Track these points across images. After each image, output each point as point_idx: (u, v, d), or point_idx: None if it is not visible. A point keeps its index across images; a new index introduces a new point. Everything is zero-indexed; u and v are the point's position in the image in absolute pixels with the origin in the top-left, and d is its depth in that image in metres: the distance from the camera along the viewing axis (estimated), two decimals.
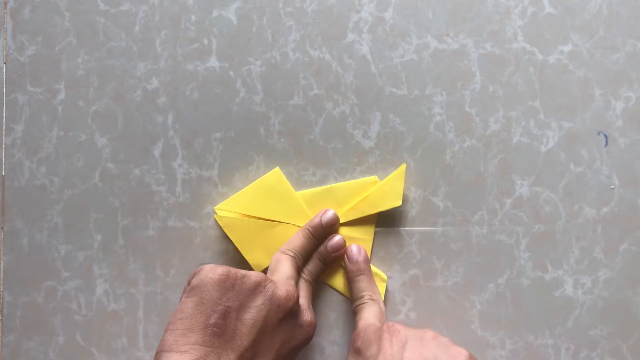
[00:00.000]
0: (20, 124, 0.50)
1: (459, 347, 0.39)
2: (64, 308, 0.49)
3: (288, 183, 0.48)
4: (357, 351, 0.41)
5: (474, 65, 0.48)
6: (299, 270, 0.45)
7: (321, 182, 0.48)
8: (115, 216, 0.49)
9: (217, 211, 0.48)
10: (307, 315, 0.42)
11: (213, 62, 0.49)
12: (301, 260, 0.45)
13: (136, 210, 0.49)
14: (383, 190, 0.47)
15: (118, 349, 0.48)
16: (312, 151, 0.48)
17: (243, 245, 0.47)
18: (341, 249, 0.47)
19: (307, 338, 0.42)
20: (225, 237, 0.48)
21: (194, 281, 0.39)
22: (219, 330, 0.37)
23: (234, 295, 0.38)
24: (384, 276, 0.47)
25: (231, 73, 0.49)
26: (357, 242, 0.47)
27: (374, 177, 0.48)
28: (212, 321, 0.37)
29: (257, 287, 0.39)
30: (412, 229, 0.48)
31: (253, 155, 0.49)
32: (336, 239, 0.47)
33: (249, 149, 0.49)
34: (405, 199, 0.48)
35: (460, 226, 0.47)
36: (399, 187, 0.47)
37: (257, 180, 0.48)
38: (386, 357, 0.39)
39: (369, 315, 0.44)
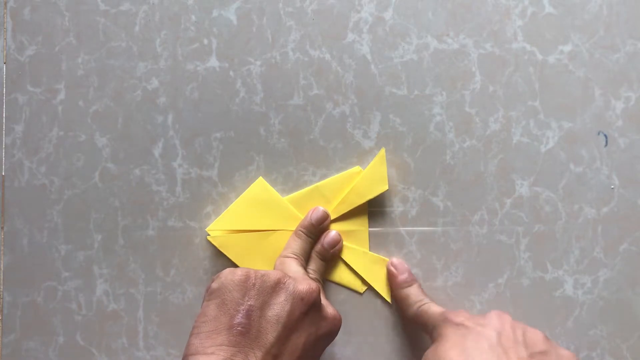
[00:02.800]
0: (20, 124, 0.50)
1: (567, 350, 0.39)
2: (64, 308, 0.49)
3: (274, 190, 0.48)
4: (460, 324, 0.40)
5: (474, 65, 0.48)
6: (305, 270, 0.45)
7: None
8: (115, 216, 0.49)
9: (209, 232, 0.48)
10: (329, 308, 0.42)
11: (213, 62, 0.49)
12: (304, 261, 0.45)
13: (136, 210, 0.49)
14: (367, 177, 0.47)
15: (118, 349, 0.48)
16: (312, 151, 0.48)
17: (242, 260, 0.47)
18: (338, 244, 0.47)
19: (333, 331, 0.41)
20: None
21: (214, 285, 0.39)
22: (244, 329, 0.37)
23: (256, 294, 0.38)
24: (383, 259, 0.48)
25: (231, 73, 0.49)
26: (353, 234, 0.48)
27: (357, 168, 0.48)
28: (236, 321, 0.37)
29: (278, 284, 0.39)
30: (412, 229, 0.48)
31: (253, 155, 0.49)
32: (332, 234, 0.47)
33: (249, 149, 0.49)
34: (405, 199, 0.48)
35: (460, 226, 0.47)
36: (383, 171, 0.47)
37: (242, 194, 0.48)
38: (505, 335, 0.38)
39: (440, 308, 0.44)
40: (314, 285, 0.40)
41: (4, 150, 0.50)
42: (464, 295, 0.47)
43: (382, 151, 0.47)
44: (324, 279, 0.48)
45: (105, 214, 0.49)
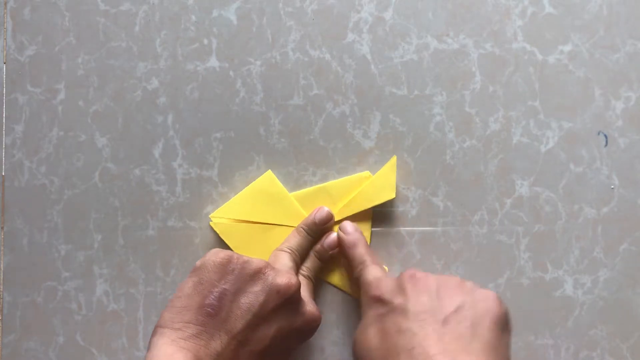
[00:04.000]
0: (20, 124, 0.50)
1: (485, 289, 0.38)
2: (64, 308, 0.49)
3: (281, 185, 0.48)
4: (378, 299, 0.39)
5: (474, 65, 0.48)
6: (297, 265, 0.45)
7: (321, 182, 0.48)
8: (115, 216, 0.49)
9: (212, 218, 0.48)
10: (309, 305, 0.42)
11: (213, 62, 0.49)
12: (298, 257, 0.45)
13: (136, 210, 0.49)
14: (376, 183, 0.47)
15: (118, 349, 0.48)
16: (312, 151, 0.48)
17: (241, 250, 0.47)
18: (337, 246, 0.46)
19: (307, 329, 0.41)
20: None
21: (197, 263, 0.40)
22: (213, 311, 0.38)
23: (233, 279, 0.39)
24: (385, 268, 0.47)
25: (231, 73, 0.49)
26: None
27: (366, 173, 0.48)
28: (207, 301, 0.38)
29: (257, 273, 0.39)
30: (412, 229, 0.48)
31: (253, 155, 0.49)
32: (333, 236, 0.46)
33: (249, 149, 0.49)
34: (405, 199, 0.48)
35: (460, 226, 0.47)
36: (392, 179, 0.47)
37: (250, 185, 0.48)
38: (419, 306, 0.37)
39: (375, 272, 0.42)
40: (293, 279, 0.40)
41: (4, 150, 0.50)
42: None
43: (394, 159, 0.47)
44: (320, 279, 0.48)
45: (105, 214, 0.49)
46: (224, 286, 0.39)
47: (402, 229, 0.48)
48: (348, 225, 0.46)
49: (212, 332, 0.37)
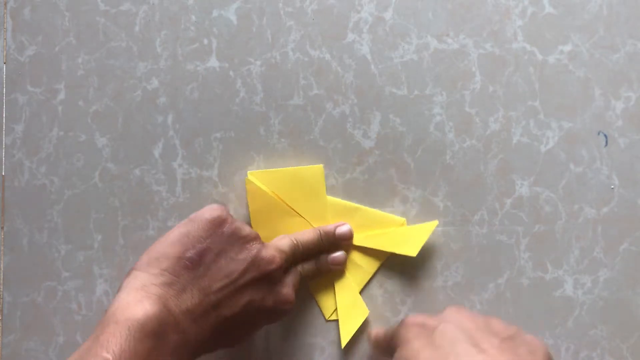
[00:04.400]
0: (20, 124, 0.50)
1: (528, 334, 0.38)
2: (64, 308, 0.49)
3: (324, 184, 0.47)
4: (421, 326, 0.39)
5: (474, 65, 0.48)
6: (294, 258, 0.44)
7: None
8: (115, 216, 0.49)
9: (249, 175, 0.47)
10: (286, 288, 0.42)
11: (213, 62, 0.49)
12: (299, 253, 0.45)
13: (136, 210, 0.49)
14: (406, 235, 0.47)
15: None
16: (312, 151, 0.48)
17: (256, 216, 0.47)
18: (340, 265, 0.47)
19: (277, 309, 0.41)
20: None
21: (192, 215, 0.40)
22: (191, 264, 0.38)
23: (220, 241, 0.39)
24: (366, 310, 0.47)
25: (231, 73, 0.49)
26: (359, 269, 0.47)
27: (402, 219, 0.47)
28: (187, 254, 0.38)
29: (245, 242, 0.40)
30: None
31: (253, 155, 0.49)
32: (339, 254, 0.46)
33: (249, 149, 0.49)
34: (405, 199, 0.48)
35: (460, 226, 0.47)
36: (422, 239, 0.46)
37: (298, 167, 0.47)
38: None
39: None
40: (277, 259, 0.41)
41: (4, 150, 0.50)
42: (464, 295, 0.47)
43: (434, 223, 0.46)
44: (309, 290, 0.48)
45: (105, 214, 0.49)
46: (208, 244, 0.39)
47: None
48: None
49: (185, 285, 0.37)
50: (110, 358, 0.32)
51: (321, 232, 0.46)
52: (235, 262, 0.39)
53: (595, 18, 0.47)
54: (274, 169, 0.48)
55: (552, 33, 0.47)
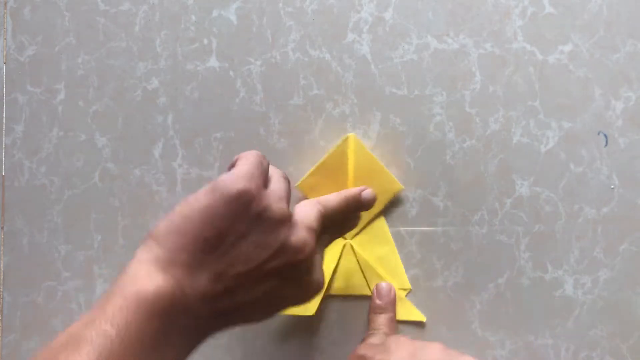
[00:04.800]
0: (20, 124, 0.50)
1: (466, 356, 0.39)
2: (64, 308, 0.49)
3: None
4: (361, 357, 0.41)
5: (474, 65, 0.48)
6: (322, 227, 0.38)
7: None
8: (115, 216, 0.49)
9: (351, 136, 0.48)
10: (315, 274, 0.37)
11: (213, 62, 0.49)
12: (329, 221, 0.39)
13: (136, 210, 0.49)
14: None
15: None
16: (312, 151, 0.48)
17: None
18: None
19: (307, 296, 0.37)
20: None
21: (216, 181, 0.34)
22: (209, 246, 0.33)
23: (243, 220, 0.33)
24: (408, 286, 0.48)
25: (231, 73, 0.49)
26: (383, 259, 0.48)
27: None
28: (207, 234, 0.33)
29: (273, 225, 0.34)
30: (412, 229, 0.48)
31: None
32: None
33: (249, 149, 0.48)
34: (405, 199, 0.48)
35: (460, 226, 0.47)
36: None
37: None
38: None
39: (375, 339, 0.44)
40: (308, 247, 0.35)
41: (4, 150, 0.50)
42: (464, 295, 0.47)
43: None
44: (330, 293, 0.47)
45: (105, 214, 0.49)
46: (230, 224, 0.33)
47: (402, 229, 0.48)
48: (385, 289, 0.47)
49: (201, 266, 0.33)
50: (114, 333, 0.30)
51: (347, 195, 0.42)
52: (259, 249, 0.34)
53: (595, 18, 0.47)
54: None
55: (552, 33, 0.47)
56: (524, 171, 0.47)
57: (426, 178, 0.48)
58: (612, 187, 0.47)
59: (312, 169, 0.47)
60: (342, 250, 0.48)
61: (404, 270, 0.47)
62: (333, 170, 0.47)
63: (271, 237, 0.34)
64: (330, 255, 0.47)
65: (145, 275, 0.32)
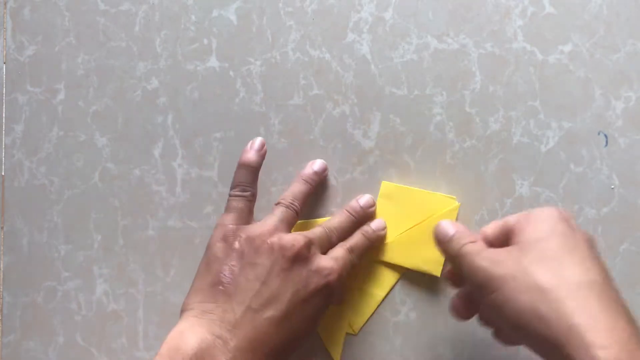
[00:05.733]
0: (20, 124, 0.50)
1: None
2: (64, 308, 0.49)
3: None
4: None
5: (474, 65, 0.48)
6: (330, 243, 0.44)
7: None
8: (115, 216, 0.49)
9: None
10: (324, 261, 0.41)
11: (213, 62, 0.49)
12: (335, 236, 0.44)
13: (136, 210, 0.49)
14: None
15: (118, 349, 0.48)
16: (312, 151, 0.48)
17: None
18: (384, 230, 0.46)
19: (325, 285, 0.40)
20: None
21: (209, 240, 0.42)
22: (223, 288, 0.39)
23: (237, 256, 0.40)
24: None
25: (231, 73, 0.49)
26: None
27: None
28: (217, 279, 0.40)
29: (261, 245, 0.40)
30: None
31: None
32: (378, 220, 0.46)
33: None
34: None
35: None
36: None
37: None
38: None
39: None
40: (299, 237, 0.40)
41: (4, 150, 0.50)
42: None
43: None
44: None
45: (105, 214, 0.49)
46: (230, 262, 0.40)
47: None
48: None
49: (225, 306, 0.39)
50: None
51: (348, 210, 0.46)
52: (261, 266, 0.40)
53: (595, 18, 0.47)
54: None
55: (552, 33, 0.47)
56: (524, 171, 0.47)
57: (426, 178, 0.48)
58: (612, 187, 0.47)
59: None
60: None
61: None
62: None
63: (262, 250, 0.40)
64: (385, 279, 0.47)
65: (175, 334, 0.38)
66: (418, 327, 0.47)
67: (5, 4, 0.50)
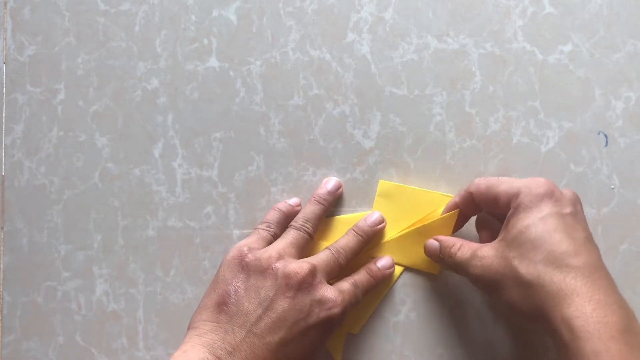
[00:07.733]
0: (20, 124, 0.50)
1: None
2: (64, 308, 0.49)
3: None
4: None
5: (474, 65, 0.48)
6: (339, 266, 0.44)
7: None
8: (115, 216, 0.49)
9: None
10: (329, 291, 0.41)
11: (213, 62, 0.49)
12: (343, 258, 0.44)
13: (136, 210, 0.49)
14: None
15: (118, 349, 0.48)
16: (312, 151, 0.48)
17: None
18: (392, 269, 0.46)
19: (327, 317, 0.40)
20: (226, 237, 0.48)
21: (223, 259, 0.43)
22: (227, 307, 0.40)
23: (244, 277, 0.41)
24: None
25: (231, 73, 0.49)
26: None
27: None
28: (220, 299, 0.40)
29: (268, 269, 0.41)
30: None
31: (253, 155, 0.49)
32: (386, 258, 0.46)
33: (249, 149, 0.49)
34: None
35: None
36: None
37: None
38: None
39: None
40: (304, 265, 0.41)
41: (4, 150, 0.50)
42: (464, 295, 0.47)
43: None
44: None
45: (105, 214, 0.49)
46: (236, 284, 0.41)
47: None
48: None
49: (227, 327, 0.39)
50: None
51: (355, 230, 0.46)
52: (265, 290, 0.40)
53: (595, 18, 0.47)
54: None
55: (552, 33, 0.47)
56: (524, 171, 0.47)
57: (426, 178, 0.48)
58: (612, 187, 0.47)
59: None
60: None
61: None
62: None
63: (270, 278, 0.41)
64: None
65: (179, 353, 0.39)
66: (418, 327, 0.47)
67: (5, 4, 0.50)
